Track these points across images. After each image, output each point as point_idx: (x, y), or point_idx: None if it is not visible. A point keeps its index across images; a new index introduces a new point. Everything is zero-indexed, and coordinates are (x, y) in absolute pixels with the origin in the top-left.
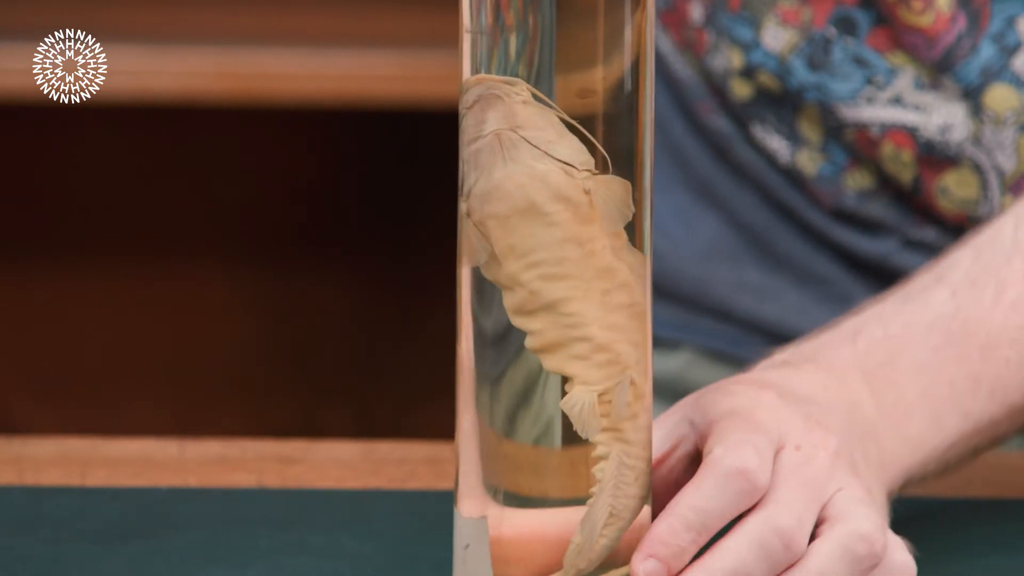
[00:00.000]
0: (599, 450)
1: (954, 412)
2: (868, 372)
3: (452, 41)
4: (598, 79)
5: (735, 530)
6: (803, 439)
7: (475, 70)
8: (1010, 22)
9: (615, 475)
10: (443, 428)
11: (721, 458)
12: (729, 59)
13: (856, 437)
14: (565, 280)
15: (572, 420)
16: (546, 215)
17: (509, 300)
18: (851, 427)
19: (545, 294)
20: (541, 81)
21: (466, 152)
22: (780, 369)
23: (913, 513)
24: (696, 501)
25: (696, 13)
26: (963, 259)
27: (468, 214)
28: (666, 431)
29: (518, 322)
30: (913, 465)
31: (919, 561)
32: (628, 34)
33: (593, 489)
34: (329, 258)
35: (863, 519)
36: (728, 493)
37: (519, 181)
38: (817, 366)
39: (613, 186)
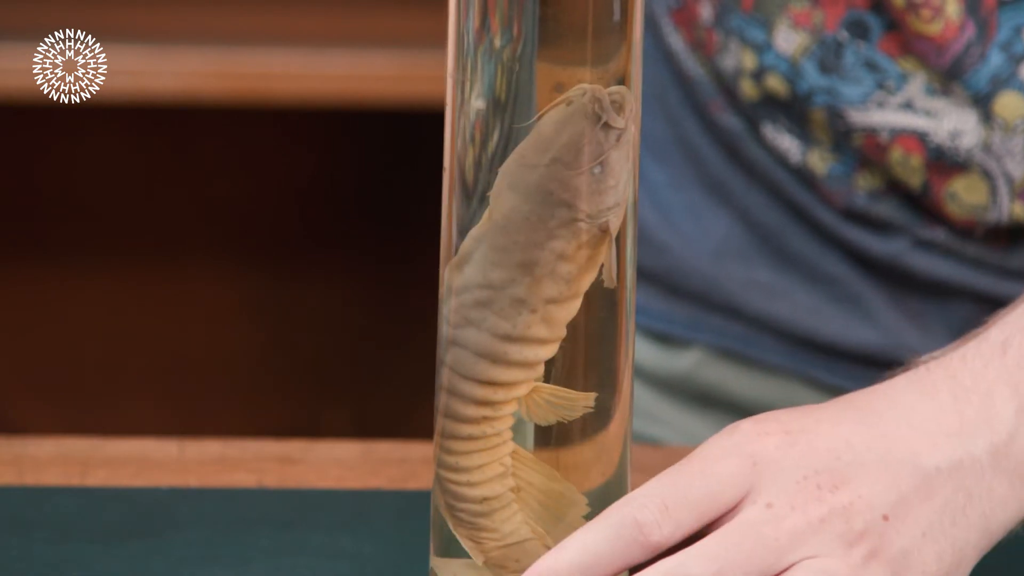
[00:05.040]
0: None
1: None
2: (1017, 384)
3: None
4: (585, 74)
5: (643, 571)
6: (780, 498)
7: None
8: (1018, 31)
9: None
10: None
11: (622, 506)
12: (741, 60)
13: (957, 480)
14: None
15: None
16: None
17: (566, 313)
18: (955, 469)
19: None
20: (523, 72)
21: (630, 164)
22: (911, 393)
23: None
24: (585, 542)
25: (706, 13)
26: None
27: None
28: None
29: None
30: None
31: None
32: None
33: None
34: (329, 257)
35: None
36: (618, 542)
37: None
38: (956, 385)
39: None
